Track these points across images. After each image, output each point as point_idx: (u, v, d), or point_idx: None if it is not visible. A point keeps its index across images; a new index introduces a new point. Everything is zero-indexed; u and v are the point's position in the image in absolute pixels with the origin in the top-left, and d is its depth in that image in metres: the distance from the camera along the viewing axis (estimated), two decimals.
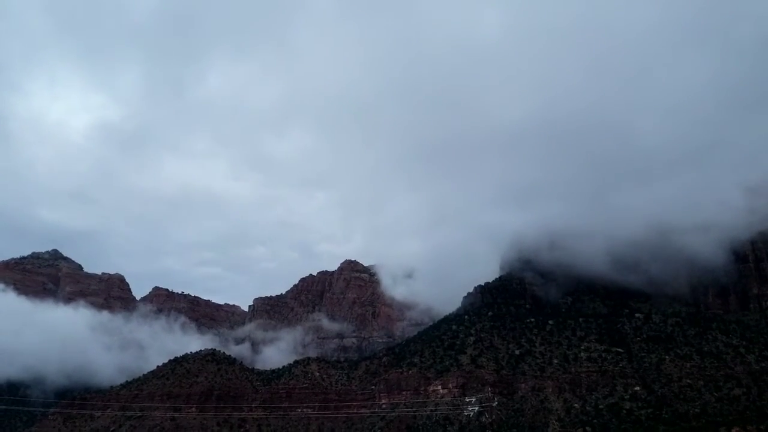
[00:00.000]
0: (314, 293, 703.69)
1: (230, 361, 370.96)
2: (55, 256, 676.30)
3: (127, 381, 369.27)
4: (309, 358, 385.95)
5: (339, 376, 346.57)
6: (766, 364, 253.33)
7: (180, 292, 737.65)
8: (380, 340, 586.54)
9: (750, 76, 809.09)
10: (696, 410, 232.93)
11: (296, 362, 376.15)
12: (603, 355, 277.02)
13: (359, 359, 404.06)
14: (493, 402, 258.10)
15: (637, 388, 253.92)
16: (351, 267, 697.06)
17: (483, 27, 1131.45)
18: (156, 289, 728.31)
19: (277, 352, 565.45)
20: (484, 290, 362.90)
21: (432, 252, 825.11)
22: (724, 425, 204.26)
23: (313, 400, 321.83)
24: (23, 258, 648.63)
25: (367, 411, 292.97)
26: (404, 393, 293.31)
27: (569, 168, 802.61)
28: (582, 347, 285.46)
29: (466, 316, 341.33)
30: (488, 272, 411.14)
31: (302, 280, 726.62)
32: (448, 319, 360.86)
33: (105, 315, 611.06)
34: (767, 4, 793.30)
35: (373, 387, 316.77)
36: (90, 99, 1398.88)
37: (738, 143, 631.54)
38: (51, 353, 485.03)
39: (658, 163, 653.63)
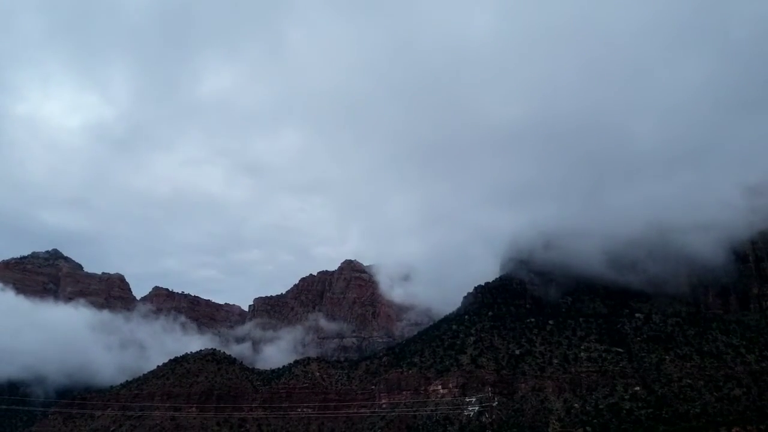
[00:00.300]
0: (314, 293, 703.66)
1: (230, 360, 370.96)
2: (55, 255, 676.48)
3: (127, 381, 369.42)
4: (309, 358, 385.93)
5: (339, 375, 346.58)
6: (767, 364, 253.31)
7: (180, 292, 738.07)
8: (380, 340, 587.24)
9: (746, 76, 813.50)
10: (696, 410, 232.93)
11: (296, 362, 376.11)
12: (603, 355, 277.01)
13: (359, 359, 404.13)
14: (493, 402, 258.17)
15: (637, 388, 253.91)
16: (351, 267, 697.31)
17: (477, 26, 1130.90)
18: (156, 288, 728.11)
19: (277, 352, 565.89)
20: (484, 290, 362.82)
21: (428, 253, 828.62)
22: (724, 425, 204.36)
23: (314, 399, 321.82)
24: (23, 258, 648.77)
25: (368, 411, 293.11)
26: (404, 393, 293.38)
27: (565, 167, 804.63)
28: (582, 347, 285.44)
29: (466, 316, 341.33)
30: (485, 272, 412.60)
31: (302, 279, 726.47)
32: (448, 319, 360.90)
33: (105, 314, 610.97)
34: (761, 4, 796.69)
35: (373, 387, 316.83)
36: (83, 99, 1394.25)
37: (737, 142, 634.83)
38: (51, 353, 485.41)
39: (656, 163, 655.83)
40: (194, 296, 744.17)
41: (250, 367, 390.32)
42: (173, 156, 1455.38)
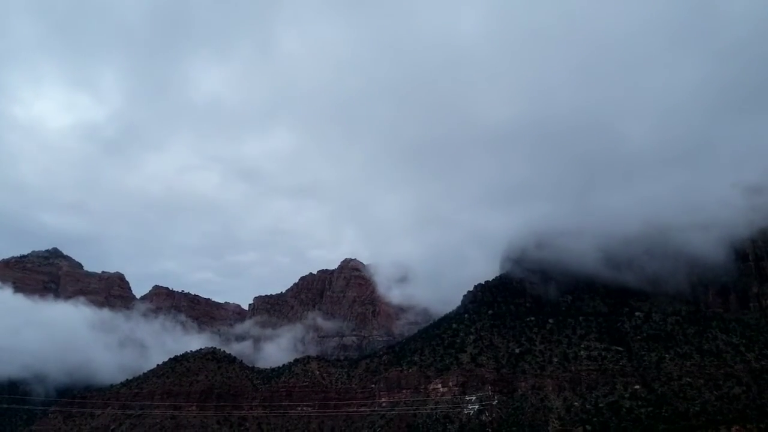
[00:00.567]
0: (314, 292, 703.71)
1: (230, 359, 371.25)
2: (55, 254, 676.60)
3: (127, 379, 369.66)
4: (309, 357, 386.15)
5: (339, 374, 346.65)
6: (766, 363, 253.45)
7: (180, 291, 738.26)
8: (380, 339, 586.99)
9: (740, 77, 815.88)
10: (696, 409, 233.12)
11: (296, 361, 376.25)
12: (603, 353, 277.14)
13: (359, 358, 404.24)
14: (493, 400, 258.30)
15: (637, 386, 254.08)
16: (351, 266, 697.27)
17: (470, 26, 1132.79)
18: (156, 287, 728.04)
19: (277, 351, 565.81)
20: (483, 289, 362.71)
21: (424, 254, 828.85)
22: (723, 424, 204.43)
23: (314, 398, 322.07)
24: (23, 256, 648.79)
25: (368, 409, 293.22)
26: (404, 391, 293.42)
27: (559, 167, 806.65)
28: (582, 346, 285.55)
29: (466, 315, 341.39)
30: (481, 272, 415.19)
31: (302, 278, 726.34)
32: (448, 318, 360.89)
33: (105, 313, 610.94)
34: (754, 5, 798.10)
35: (373, 385, 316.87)
36: (75, 99, 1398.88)
37: (732, 143, 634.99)
38: (51, 352, 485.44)
39: (652, 162, 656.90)
40: (194, 295, 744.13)
41: (250, 365, 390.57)
42: (165, 157, 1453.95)
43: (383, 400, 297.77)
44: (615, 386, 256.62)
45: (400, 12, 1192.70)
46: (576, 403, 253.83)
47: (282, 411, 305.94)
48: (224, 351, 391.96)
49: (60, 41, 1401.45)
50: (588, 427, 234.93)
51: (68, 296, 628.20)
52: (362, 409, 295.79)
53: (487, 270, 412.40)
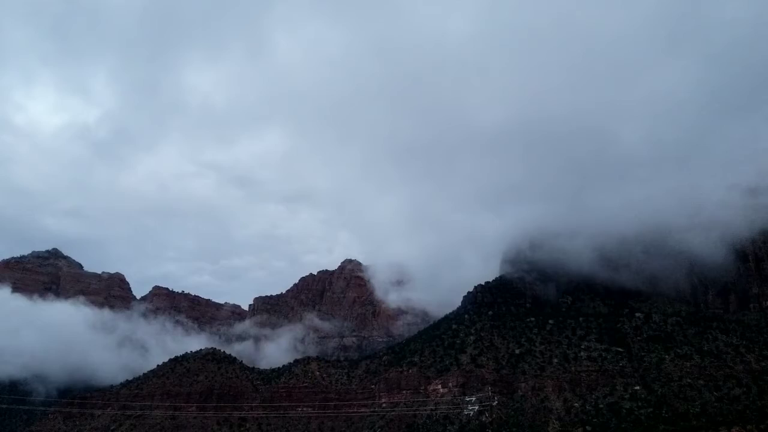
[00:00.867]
0: (314, 292, 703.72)
1: (230, 360, 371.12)
2: (55, 255, 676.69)
3: (127, 380, 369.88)
4: (309, 358, 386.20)
5: (339, 375, 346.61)
6: (766, 364, 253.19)
7: (180, 291, 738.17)
8: (380, 339, 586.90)
9: (733, 79, 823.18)
10: (696, 409, 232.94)
11: (296, 361, 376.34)
12: (603, 354, 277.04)
13: (359, 358, 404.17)
14: (493, 401, 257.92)
15: (637, 387, 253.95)
16: (351, 266, 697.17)
17: (463, 28, 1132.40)
18: (156, 288, 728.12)
19: (277, 351, 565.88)
20: (483, 290, 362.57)
21: (419, 256, 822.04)
22: (724, 425, 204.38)
23: (313, 399, 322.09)
24: (23, 257, 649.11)
25: (367, 410, 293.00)
26: (404, 392, 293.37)
27: (555, 168, 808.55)
28: (582, 346, 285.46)
29: (466, 316, 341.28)
30: (479, 273, 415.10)
31: (302, 279, 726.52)
32: (448, 319, 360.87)
33: (105, 314, 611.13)
34: (746, 9, 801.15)
35: (373, 386, 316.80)
36: (66, 101, 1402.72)
37: (730, 143, 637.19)
38: (51, 352, 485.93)
39: (649, 163, 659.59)
40: (194, 296, 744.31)
41: (250, 366, 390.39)
42: (157, 159, 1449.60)
43: (383, 400, 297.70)
44: (615, 387, 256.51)
45: (393, 13, 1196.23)
46: (576, 404, 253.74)
47: (282, 411, 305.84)
48: (224, 352, 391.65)
49: (52, 43, 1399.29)
50: (588, 428, 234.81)
51: (68, 297, 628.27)
52: (362, 409, 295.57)
53: (484, 271, 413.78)
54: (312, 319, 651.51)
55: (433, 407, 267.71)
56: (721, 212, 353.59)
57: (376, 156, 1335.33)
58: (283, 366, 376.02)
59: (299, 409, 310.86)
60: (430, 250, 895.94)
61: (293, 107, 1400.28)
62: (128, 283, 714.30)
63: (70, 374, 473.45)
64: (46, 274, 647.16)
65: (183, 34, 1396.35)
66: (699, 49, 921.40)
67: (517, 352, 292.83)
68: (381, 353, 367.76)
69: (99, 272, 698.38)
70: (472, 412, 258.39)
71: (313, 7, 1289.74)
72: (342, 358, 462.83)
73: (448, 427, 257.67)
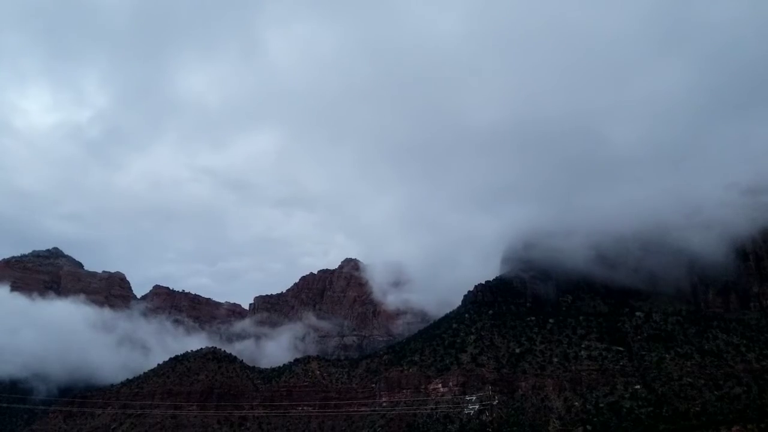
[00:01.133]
0: (315, 291, 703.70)
1: (231, 359, 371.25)
2: (56, 254, 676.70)
3: (127, 379, 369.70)
4: (309, 357, 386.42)
5: (339, 374, 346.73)
6: (767, 363, 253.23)
7: (181, 291, 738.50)
8: (381, 338, 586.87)
9: (727, 80, 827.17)
10: (696, 409, 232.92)
11: (297, 360, 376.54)
12: (603, 353, 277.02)
13: (360, 357, 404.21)
14: (494, 400, 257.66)
15: (638, 386, 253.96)
16: (351, 265, 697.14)
17: (456, 28, 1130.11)
18: (156, 287, 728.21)
19: (277, 351, 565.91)
20: (484, 289, 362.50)
21: (416, 257, 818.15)
22: (724, 424, 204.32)
23: (314, 398, 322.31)
24: (24, 256, 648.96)
25: (368, 409, 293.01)
26: (405, 391, 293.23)
27: (551, 168, 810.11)
28: (582, 346, 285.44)
29: (466, 315, 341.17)
30: (477, 273, 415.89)
31: (303, 278, 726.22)
32: (448, 318, 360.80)
33: (106, 313, 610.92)
34: (739, 10, 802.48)
35: (373, 385, 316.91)
36: (59, 100, 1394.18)
37: (725, 143, 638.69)
38: (51, 351, 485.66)
39: (646, 163, 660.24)
40: (194, 295, 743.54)
41: (251, 365, 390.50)
42: (152, 161, 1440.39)
43: (383, 399, 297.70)
44: (615, 386, 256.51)
45: (387, 13, 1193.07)
46: (576, 403, 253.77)
47: (282, 411, 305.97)
48: (225, 351, 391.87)
49: (45, 42, 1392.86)
50: (588, 427, 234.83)
51: (69, 296, 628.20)
52: (362, 408, 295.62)
53: (482, 271, 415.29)
54: (312, 318, 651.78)
55: (434, 406, 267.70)
56: (721, 211, 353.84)
57: (371, 156, 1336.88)
58: (284, 365, 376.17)
59: (300, 408, 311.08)
60: (427, 251, 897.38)
61: (287, 108, 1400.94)
62: (128, 282, 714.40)
63: (70, 373, 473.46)
64: (46, 273, 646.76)
65: (176, 35, 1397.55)
66: (693, 50, 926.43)
67: (517, 351, 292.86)
68: (381, 352, 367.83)
69: (99, 271, 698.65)
70: (472, 412, 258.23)
71: (306, 7, 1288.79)
72: (342, 357, 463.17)
73: (449, 427, 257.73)
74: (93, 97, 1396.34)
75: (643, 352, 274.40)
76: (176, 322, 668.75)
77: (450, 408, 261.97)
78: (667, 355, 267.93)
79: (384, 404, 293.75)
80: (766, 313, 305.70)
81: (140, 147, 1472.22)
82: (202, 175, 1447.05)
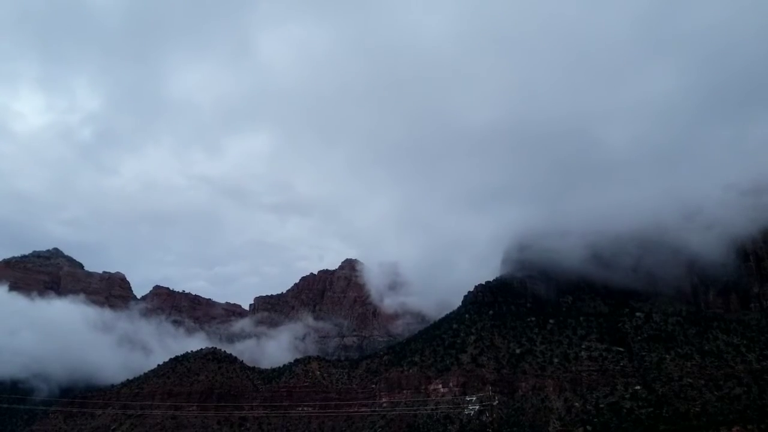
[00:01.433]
0: (315, 292, 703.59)
1: (231, 359, 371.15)
2: (56, 254, 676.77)
3: (128, 379, 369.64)
4: (309, 357, 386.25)
5: (340, 374, 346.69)
6: (767, 363, 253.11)
7: (181, 291, 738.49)
8: (381, 339, 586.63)
9: (719, 84, 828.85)
10: (696, 409, 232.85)
11: (297, 361, 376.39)
12: (603, 354, 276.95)
13: (360, 358, 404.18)
14: (494, 401, 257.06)
15: (638, 387, 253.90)
16: (352, 266, 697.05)
17: (451, 29, 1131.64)
18: (156, 287, 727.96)
19: (277, 351, 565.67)
20: (484, 289, 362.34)
21: (413, 258, 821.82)
22: (724, 424, 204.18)
23: (314, 398, 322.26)
24: (24, 256, 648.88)
25: (368, 410, 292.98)
26: (405, 392, 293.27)
27: (547, 169, 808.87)
28: (582, 346, 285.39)
29: (466, 315, 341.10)
30: (474, 274, 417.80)
31: (303, 279, 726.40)
32: (448, 318, 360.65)
33: (106, 313, 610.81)
34: (732, 12, 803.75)
35: (373, 386, 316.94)
36: (52, 102, 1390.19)
37: (726, 142, 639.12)
38: (52, 351, 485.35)
39: (644, 163, 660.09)
40: (195, 295, 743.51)
41: (251, 366, 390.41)
42: (145, 164, 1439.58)
43: (384, 400, 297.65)
44: (616, 387, 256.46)
45: (379, 13, 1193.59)
46: (577, 404, 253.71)
47: (282, 411, 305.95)
48: (225, 351, 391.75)
49: (36, 43, 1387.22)
50: (589, 428, 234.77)
51: (69, 296, 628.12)
52: (363, 409, 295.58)
53: (479, 272, 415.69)
54: (312, 318, 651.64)
55: (434, 407, 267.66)
56: (721, 211, 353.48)
57: (364, 158, 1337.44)
58: (284, 365, 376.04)
59: (300, 409, 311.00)
60: (423, 252, 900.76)
61: (280, 109, 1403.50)
62: (128, 283, 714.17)
63: (70, 374, 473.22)
64: (46, 273, 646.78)
65: (167, 36, 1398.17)
66: (687, 52, 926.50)
67: (517, 351, 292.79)
68: (381, 353, 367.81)
69: (99, 272, 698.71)
70: (472, 412, 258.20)
71: (299, 8, 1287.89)
72: (342, 358, 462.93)
73: (449, 427, 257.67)
74: (84, 99, 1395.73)
75: (644, 353, 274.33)
76: (176, 322, 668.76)
77: (450, 408, 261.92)
78: (667, 356, 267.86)
79: (384, 405, 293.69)
80: (767, 313, 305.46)
81: (133, 149, 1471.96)
82: (199, 182, 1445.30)
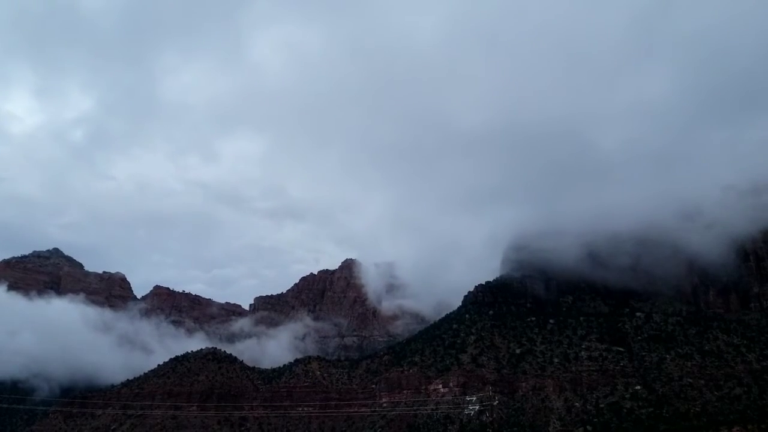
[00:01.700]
0: (315, 292, 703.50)
1: (231, 359, 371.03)
2: (56, 254, 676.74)
3: (128, 379, 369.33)
4: (310, 357, 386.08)
5: (340, 374, 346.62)
6: (767, 363, 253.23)
7: (181, 291, 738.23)
8: (381, 339, 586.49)
9: (713, 87, 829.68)
10: (697, 409, 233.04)
11: (297, 361, 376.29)
12: (604, 354, 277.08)
13: (360, 358, 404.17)
14: (494, 401, 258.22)
15: (638, 387, 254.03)
16: (351, 266, 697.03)
17: (444, 31, 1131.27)
18: (157, 287, 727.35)
19: (278, 351, 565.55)
20: (484, 289, 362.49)
21: (410, 259, 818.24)
22: (724, 424, 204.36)
23: (314, 398, 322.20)
24: (24, 257, 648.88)
25: (368, 410, 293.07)
26: (405, 392, 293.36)
27: (544, 169, 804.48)
28: (583, 346, 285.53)
29: (466, 315, 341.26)
30: (472, 274, 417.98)
31: (303, 279, 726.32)
32: (448, 318, 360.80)
33: (106, 313, 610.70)
34: (728, 14, 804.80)
35: (373, 386, 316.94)
36: (45, 103, 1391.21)
37: (722, 142, 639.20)
38: (52, 352, 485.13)
39: (639, 164, 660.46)
40: (195, 295, 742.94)
41: (251, 366, 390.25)
42: (139, 166, 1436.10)
43: (384, 400, 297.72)
44: (616, 387, 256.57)
45: (371, 15, 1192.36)
46: (577, 404, 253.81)
47: (283, 411, 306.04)
48: (225, 351, 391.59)
49: (28, 44, 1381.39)
50: (589, 428, 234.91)
51: (69, 296, 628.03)
52: (363, 409, 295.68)
53: (476, 273, 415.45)
54: (312, 318, 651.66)
55: (434, 407, 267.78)
56: (721, 211, 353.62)
57: (357, 159, 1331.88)
58: (284, 365, 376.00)
59: (300, 409, 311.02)
60: (418, 254, 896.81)
61: (272, 111, 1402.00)
62: (129, 283, 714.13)
63: (70, 374, 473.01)
64: (46, 273, 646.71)
65: (160, 37, 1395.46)
66: (681, 54, 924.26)
67: (517, 351, 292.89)
68: (382, 353, 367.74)
69: (100, 272, 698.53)
70: (472, 412, 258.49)
71: (291, 9, 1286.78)
72: (343, 358, 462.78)
73: (449, 427, 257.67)
74: (77, 101, 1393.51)
75: (644, 353, 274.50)
76: (176, 322, 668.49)
77: (450, 408, 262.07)
78: (667, 356, 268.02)
79: (384, 405, 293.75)
80: (767, 313, 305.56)
81: (126, 151, 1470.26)
82: (194, 187, 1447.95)
